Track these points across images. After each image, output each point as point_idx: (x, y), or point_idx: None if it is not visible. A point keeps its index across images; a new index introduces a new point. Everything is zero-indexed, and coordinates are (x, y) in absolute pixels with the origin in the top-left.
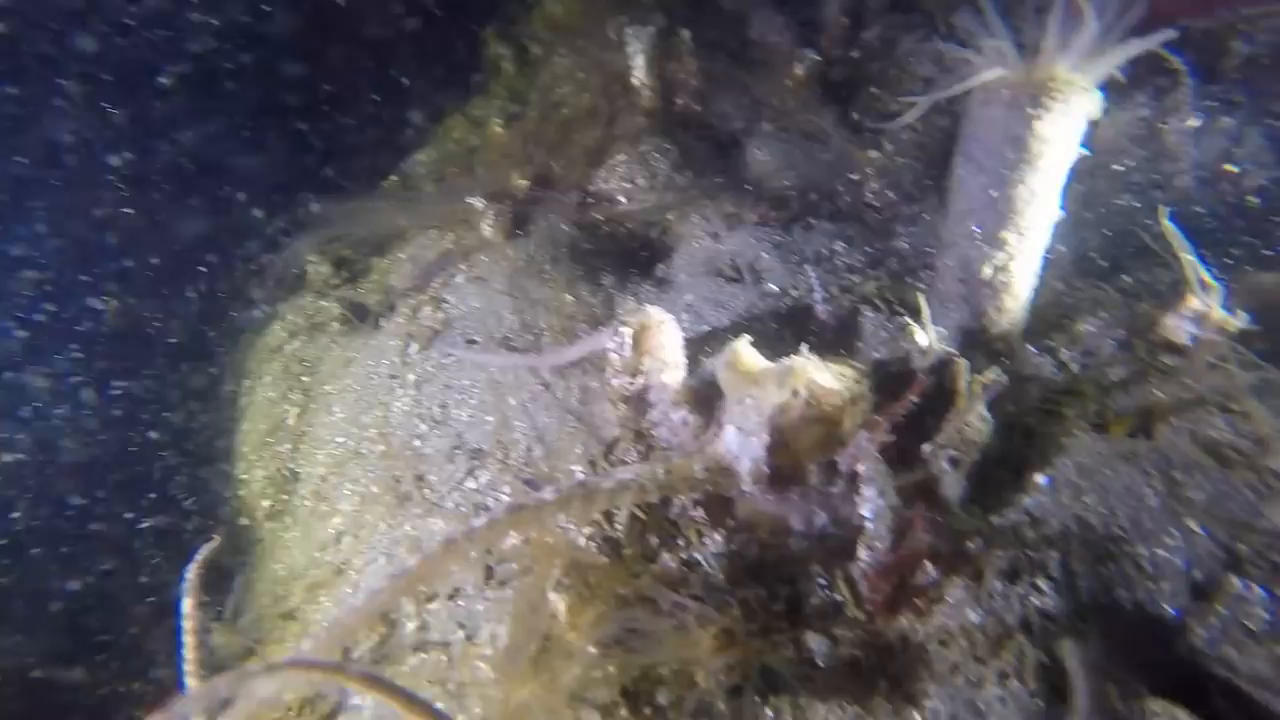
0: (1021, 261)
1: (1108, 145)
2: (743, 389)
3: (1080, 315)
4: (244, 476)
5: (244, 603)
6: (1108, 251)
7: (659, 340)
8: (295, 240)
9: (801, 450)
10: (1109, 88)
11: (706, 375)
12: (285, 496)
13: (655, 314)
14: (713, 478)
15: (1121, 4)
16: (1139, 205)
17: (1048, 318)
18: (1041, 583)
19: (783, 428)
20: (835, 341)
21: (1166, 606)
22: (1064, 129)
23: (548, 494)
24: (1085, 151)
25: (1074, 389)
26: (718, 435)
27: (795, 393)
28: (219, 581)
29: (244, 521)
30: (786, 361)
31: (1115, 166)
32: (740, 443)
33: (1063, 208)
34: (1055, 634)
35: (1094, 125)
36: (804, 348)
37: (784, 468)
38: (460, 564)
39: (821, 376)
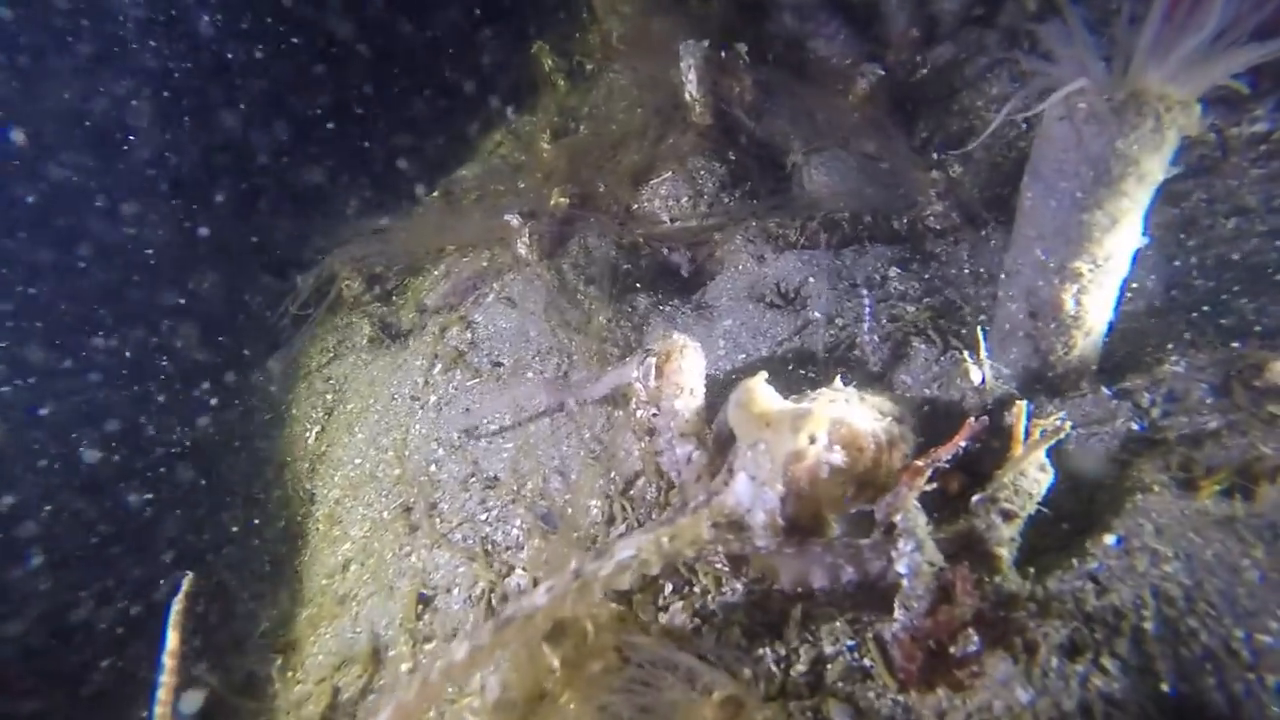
0: (1096, 294)
1: (1213, 162)
2: (756, 432)
3: (1166, 355)
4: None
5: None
6: (1204, 283)
7: (678, 364)
8: (327, 255)
9: (825, 500)
10: (1224, 99)
11: (725, 422)
12: (299, 519)
13: (679, 339)
14: (722, 535)
15: (1246, 4)
16: (1247, 230)
17: (1125, 357)
18: (1107, 662)
19: (799, 477)
20: (882, 375)
21: (1270, 705)
22: (1152, 147)
23: (540, 597)
24: (1176, 169)
25: (1155, 438)
26: (728, 483)
27: (813, 439)
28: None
29: (257, 542)
30: (804, 404)
31: (1219, 186)
32: (752, 492)
33: (1146, 234)
34: None
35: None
36: (838, 380)
37: (803, 519)
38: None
39: (854, 415)
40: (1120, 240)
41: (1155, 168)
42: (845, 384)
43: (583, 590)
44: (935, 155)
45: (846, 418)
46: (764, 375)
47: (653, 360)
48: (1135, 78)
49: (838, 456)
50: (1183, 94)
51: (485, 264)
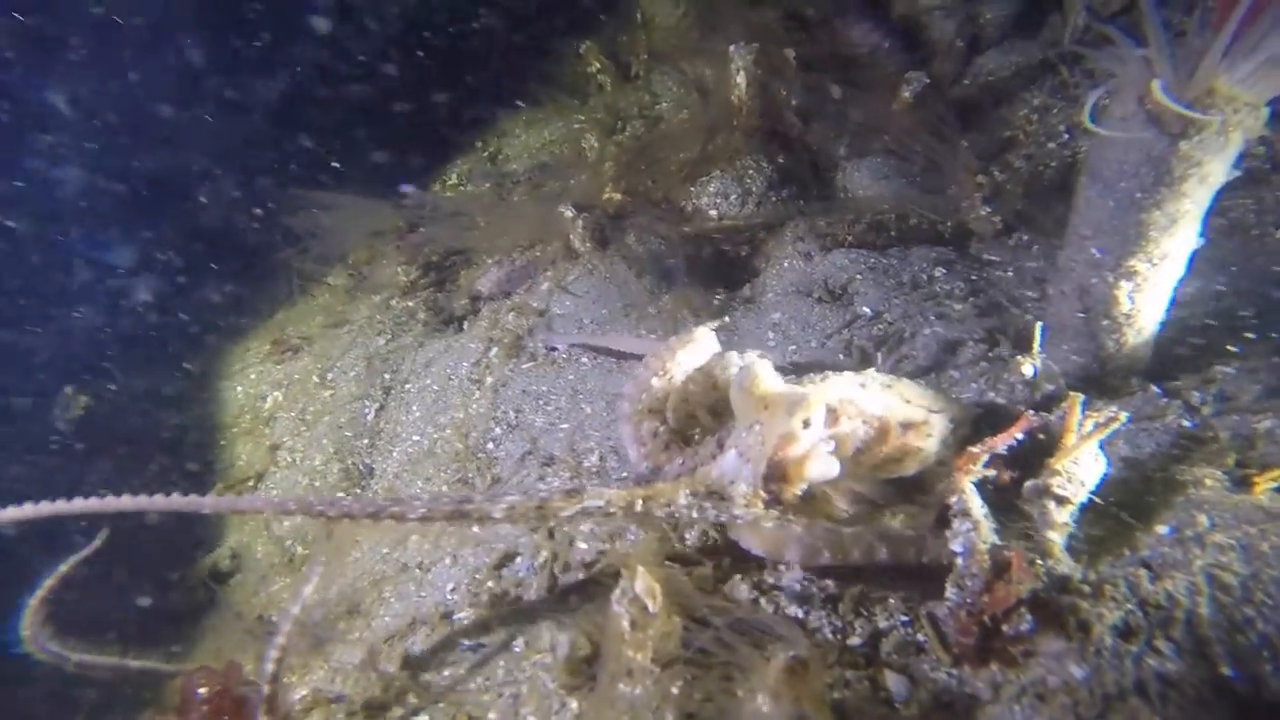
0: (1150, 293)
1: (1262, 174)
2: (754, 414)
3: (1218, 355)
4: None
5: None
6: (1260, 286)
7: (677, 353)
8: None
9: (819, 480)
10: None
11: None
12: (359, 491)
13: (699, 332)
14: (698, 504)
15: None
16: None
17: (1176, 356)
18: (1162, 645)
19: (786, 458)
20: (930, 369)
21: None
22: (1216, 149)
23: (498, 510)
24: (1238, 172)
25: (1206, 435)
26: (715, 457)
27: (807, 423)
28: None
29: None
30: (802, 388)
31: (1270, 197)
32: (737, 467)
33: (1203, 235)
34: (1179, 704)
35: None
36: (872, 369)
37: (789, 497)
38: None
39: (864, 398)
40: (1178, 241)
41: (1218, 170)
42: (880, 371)
43: (539, 519)
44: (979, 162)
45: (855, 399)
46: (768, 359)
47: (667, 345)
48: (1205, 78)
49: (844, 429)
50: (1253, 96)
51: (539, 253)
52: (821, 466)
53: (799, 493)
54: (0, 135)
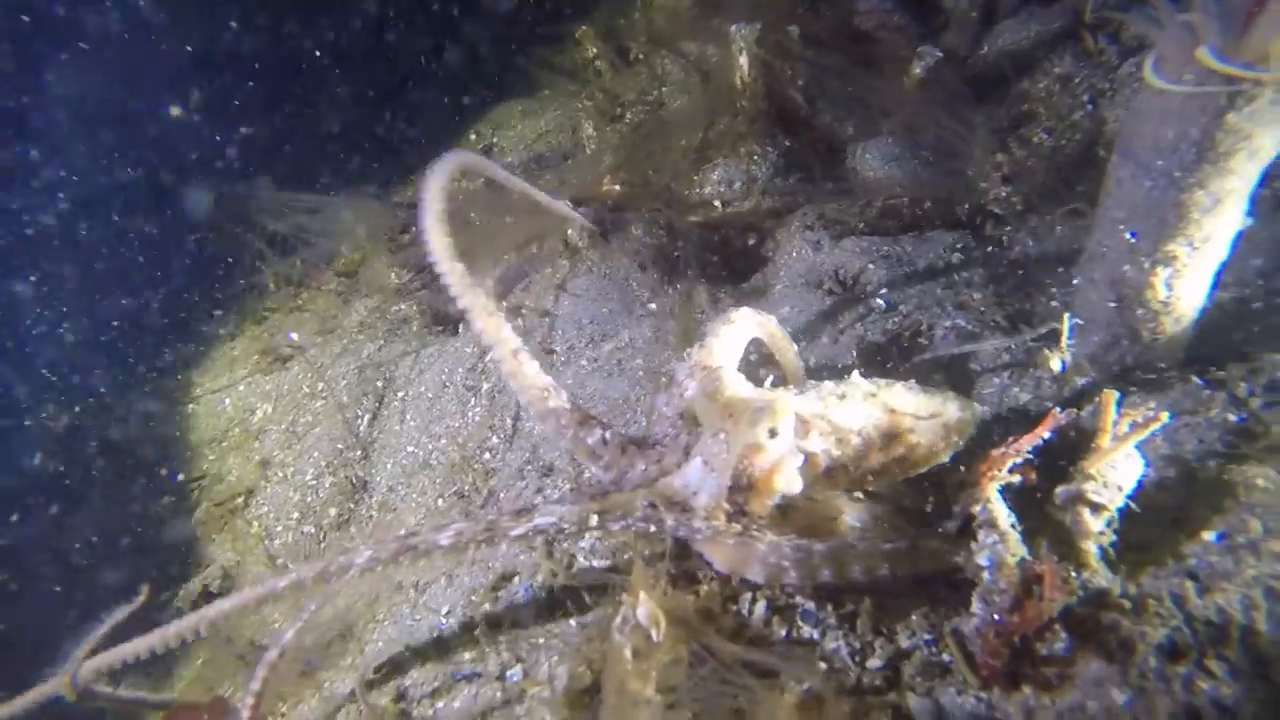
0: (1191, 278)
1: None
2: (719, 422)
3: (1266, 343)
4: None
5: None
6: None
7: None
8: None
9: (791, 493)
10: None
11: (659, 405)
12: (353, 506)
13: (740, 313)
14: (657, 516)
15: None
16: None
17: (1220, 345)
18: (1214, 666)
19: (752, 469)
20: (947, 363)
21: None
22: (1269, 120)
23: (445, 537)
24: None
25: (1255, 432)
26: (680, 466)
27: (773, 433)
28: None
29: (309, 529)
30: (770, 394)
31: None
32: (701, 478)
33: (1251, 213)
34: None
35: None
36: (856, 373)
37: (758, 510)
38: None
39: (839, 411)
40: (1222, 222)
41: (1269, 143)
42: (865, 376)
43: (489, 542)
44: (995, 137)
45: (826, 413)
46: (734, 364)
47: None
48: (1258, 42)
49: (814, 446)
50: None
51: (535, 251)
52: (790, 479)
53: (770, 505)
54: None
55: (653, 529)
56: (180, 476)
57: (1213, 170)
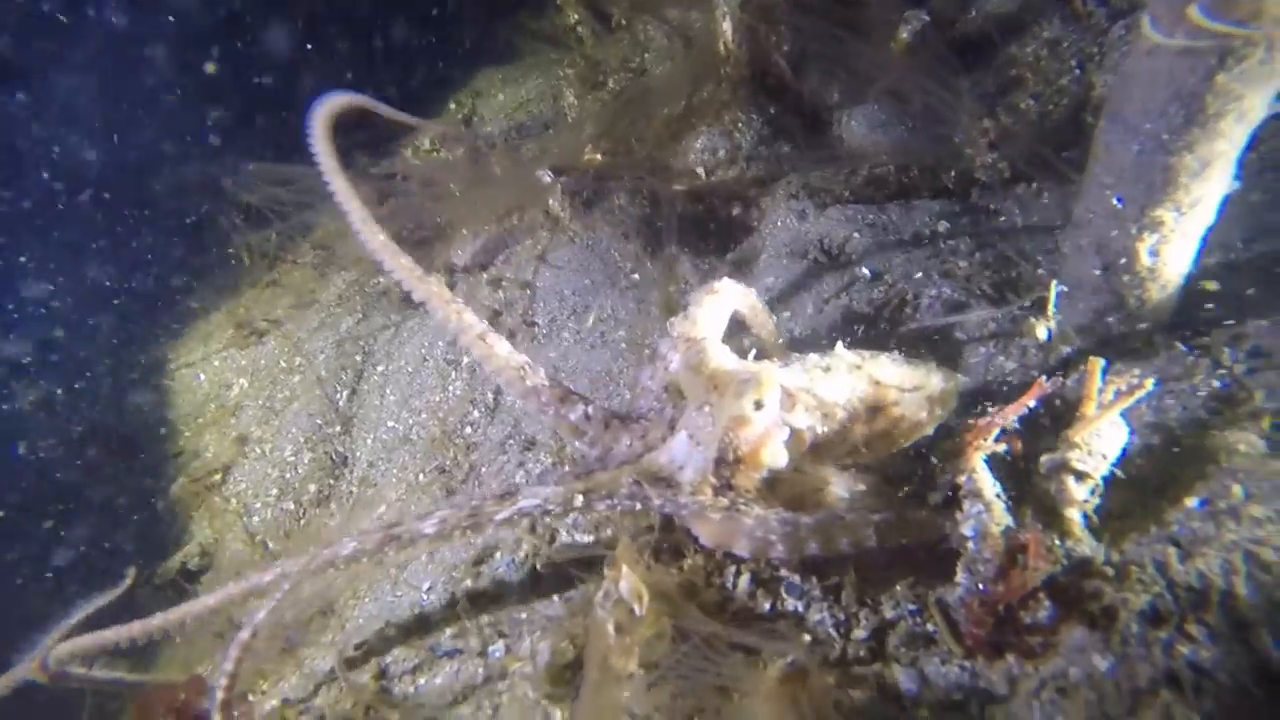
0: (1177, 243)
1: None
2: (704, 395)
3: (1249, 309)
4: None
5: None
6: None
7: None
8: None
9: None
10: None
11: (643, 378)
12: (333, 481)
13: (722, 284)
14: (642, 493)
15: None
16: None
17: (1203, 310)
18: (1194, 630)
19: (738, 442)
20: (933, 333)
21: None
22: (1260, 80)
23: (429, 526)
24: (1279, 107)
25: (1238, 397)
26: (665, 440)
27: (759, 405)
28: None
29: (289, 505)
30: (755, 366)
31: None
32: (687, 452)
33: (1238, 177)
34: (1215, 696)
35: None
36: (840, 345)
37: (744, 483)
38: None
39: (823, 383)
40: (1210, 186)
41: (1259, 104)
42: (846, 347)
43: (473, 529)
44: (981, 102)
45: (811, 386)
46: (719, 335)
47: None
48: None
49: (800, 421)
50: None
51: (516, 221)
52: (776, 453)
53: (757, 480)
54: None
55: (639, 507)
56: (161, 452)
57: (1201, 133)
